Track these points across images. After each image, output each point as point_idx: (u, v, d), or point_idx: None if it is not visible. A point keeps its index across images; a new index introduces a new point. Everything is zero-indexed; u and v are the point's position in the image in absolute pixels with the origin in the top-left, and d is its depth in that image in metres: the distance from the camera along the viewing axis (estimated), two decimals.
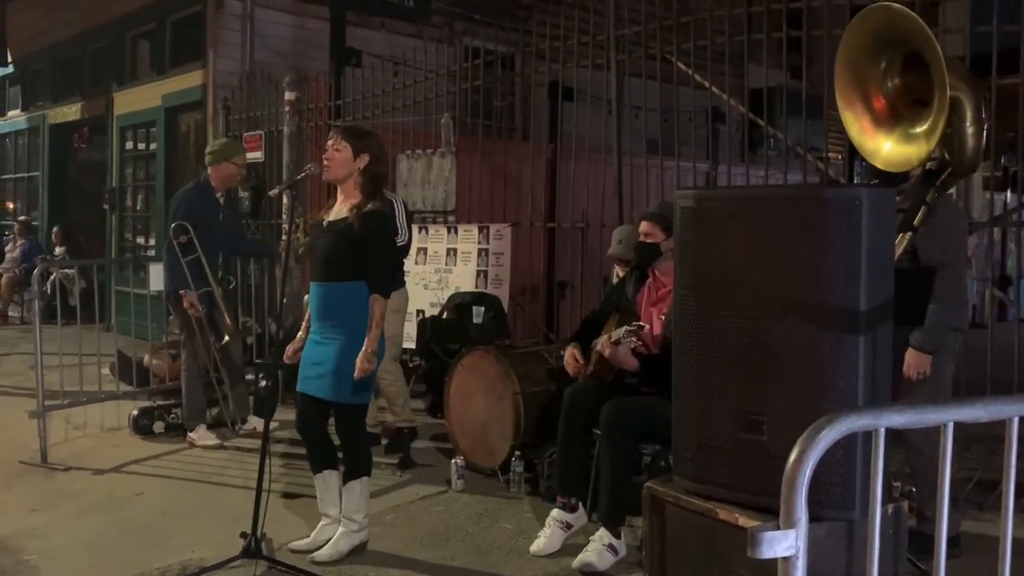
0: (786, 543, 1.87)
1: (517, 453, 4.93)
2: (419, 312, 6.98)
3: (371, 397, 4.11)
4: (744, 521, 2.73)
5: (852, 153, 5.83)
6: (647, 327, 3.99)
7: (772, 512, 2.71)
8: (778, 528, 1.89)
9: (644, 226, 4.25)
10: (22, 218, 13.29)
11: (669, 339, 3.95)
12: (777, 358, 2.78)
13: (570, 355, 4.34)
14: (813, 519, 1.88)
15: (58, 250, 12.53)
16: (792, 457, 1.95)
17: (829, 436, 1.91)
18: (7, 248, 12.66)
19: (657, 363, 3.94)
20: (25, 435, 5.89)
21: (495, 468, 5.09)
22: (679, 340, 3.02)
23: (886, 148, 3.36)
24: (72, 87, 12.74)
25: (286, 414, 6.46)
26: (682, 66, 5.75)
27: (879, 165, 3.47)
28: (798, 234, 2.72)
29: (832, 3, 5.07)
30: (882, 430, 1.95)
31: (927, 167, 3.55)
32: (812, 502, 1.89)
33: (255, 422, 6.21)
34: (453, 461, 5.07)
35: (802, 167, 5.91)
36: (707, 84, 6.07)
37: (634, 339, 3.94)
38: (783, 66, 5.48)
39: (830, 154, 6.82)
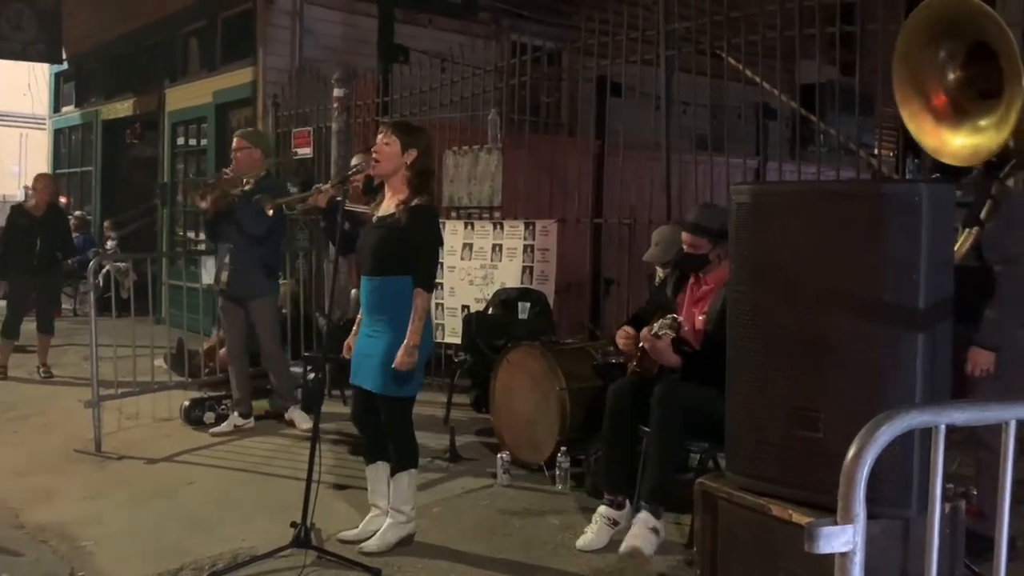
0: (843, 538, 1.86)
1: (563, 449, 4.93)
2: (464, 308, 7.01)
3: (418, 390, 4.13)
4: (798, 517, 2.71)
5: (905, 149, 5.76)
6: (681, 319, 3.97)
7: (826, 509, 2.72)
8: (835, 523, 1.88)
9: (687, 238, 4.21)
10: (78, 213, 13.54)
11: (711, 336, 3.95)
12: (833, 354, 2.75)
13: (623, 331, 4.30)
14: (869, 516, 1.86)
15: (110, 244, 12.75)
16: (851, 453, 1.93)
17: (888, 432, 1.89)
18: None
19: (699, 359, 3.92)
20: (80, 425, 6.01)
21: (540, 463, 5.10)
22: (733, 336, 3.00)
23: (956, 143, 3.28)
24: (125, 84, 12.95)
25: (332, 407, 6.55)
26: (732, 61, 5.71)
27: (948, 160, 3.38)
28: (856, 230, 2.68)
29: None
30: (942, 427, 1.93)
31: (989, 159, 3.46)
32: (868, 499, 1.87)
33: (295, 416, 6.28)
34: (499, 456, 5.08)
35: (854, 163, 5.84)
36: (758, 80, 6.01)
37: (670, 332, 3.92)
38: (835, 61, 5.41)
39: (882, 150, 6.72)
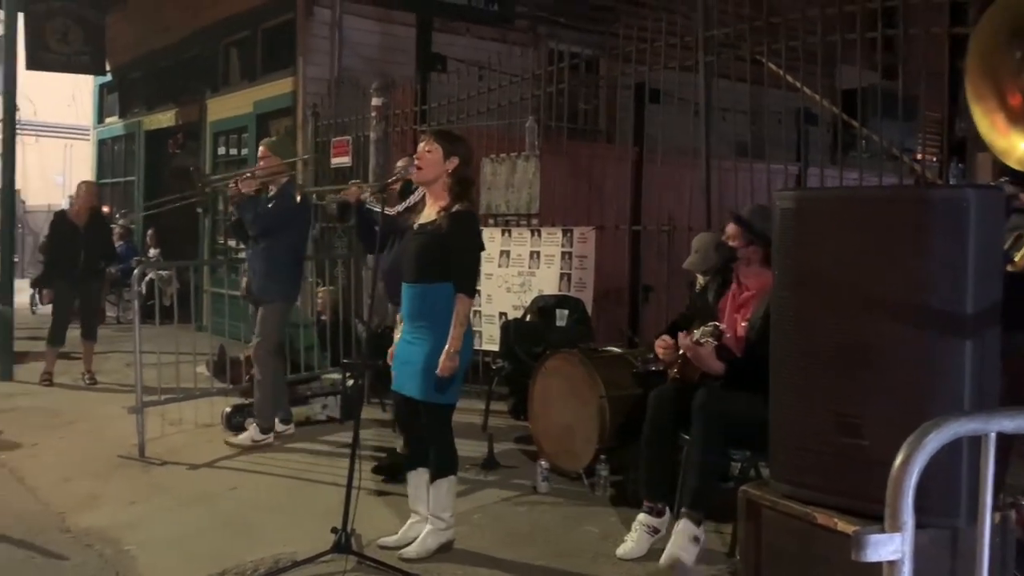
0: (892, 547, 1.84)
1: (602, 457, 4.92)
2: (502, 315, 7.02)
3: (457, 397, 4.14)
4: (843, 526, 2.68)
5: (949, 153, 5.68)
6: (724, 327, 3.95)
7: (871, 517, 2.68)
8: (883, 532, 1.86)
9: (730, 228, 4.20)
10: (122, 222, 13.75)
11: (754, 343, 3.91)
12: (878, 362, 2.71)
13: (661, 341, 4.30)
14: (917, 525, 1.84)
15: (152, 252, 12.94)
16: (898, 460, 1.91)
17: (936, 440, 1.87)
18: None
19: (742, 366, 3.89)
20: (124, 430, 6.10)
21: (579, 471, 5.08)
22: (776, 342, 2.97)
23: (1022, 147, 3.22)
24: (167, 94, 13.15)
25: (371, 413, 6.58)
26: (772, 67, 5.67)
27: (1013, 164, 3.32)
28: (902, 236, 2.64)
29: (930, 1, 4.93)
30: (992, 435, 1.90)
31: None
32: (916, 507, 1.85)
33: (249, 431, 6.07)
34: (538, 463, 5.08)
35: (896, 169, 5.77)
36: (798, 85, 5.97)
37: (712, 340, 3.89)
38: (877, 66, 5.35)
39: (925, 155, 6.63)
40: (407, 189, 5.05)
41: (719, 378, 4.02)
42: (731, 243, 4.14)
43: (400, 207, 4.82)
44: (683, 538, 3.84)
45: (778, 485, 2.98)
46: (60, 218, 8.55)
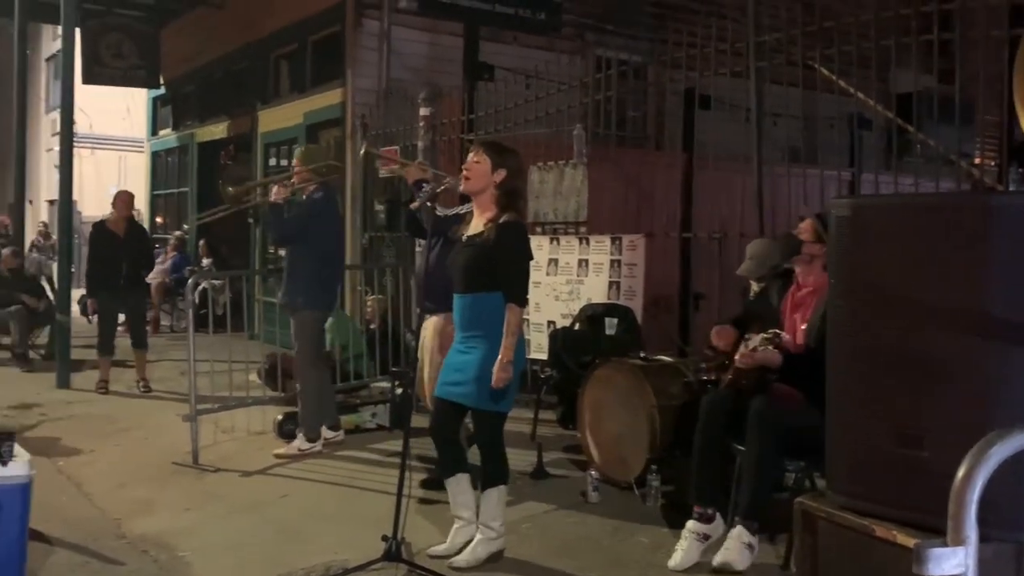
0: (955, 561, 1.80)
1: (653, 467, 4.87)
2: (550, 323, 7.00)
3: (510, 406, 4.14)
4: (903, 538, 2.62)
5: (1008, 158, 5.55)
6: (784, 334, 3.89)
7: (931, 530, 2.63)
8: (945, 545, 1.81)
9: (805, 223, 4.18)
10: (178, 233, 13.98)
11: (812, 350, 3.84)
12: (938, 371, 2.66)
13: (724, 329, 4.25)
14: (980, 539, 1.79)
15: (205, 262, 13.14)
16: (961, 473, 1.87)
17: (1000, 452, 1.83)
18: (158, 260, 13.34)
19: (800, 362, 3.82)
20: (178, 437, 6.18)
21: (630, 481, 5.03)
22: (832, 351, 2.93)
23: None
24: (219, 106, 13.37)
25: (419, 421, 6.58)
26: (825, 72, 5.59)
27: None
28: (964, 243, 2.59)
29: (989, 3, 4.83)
30: None
31: None
32: (979, 520, 1.81)
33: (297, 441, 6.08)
34: (588, 473, 5.05)
35: (953, 174, 5.66)
36: (852, 90, 5.88)
37: (770, 347, 3.84)
38: (933, 70, 5.25)
39: (983, 159, 6.49)
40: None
41: (776, 372, 3.94)
42: (801, 236, 4.10)
43: (450, 211, 4.82)
44: (737, 543, 3.81)
45: (835, 496, 2.93)
46: (100, 228, 8.55)
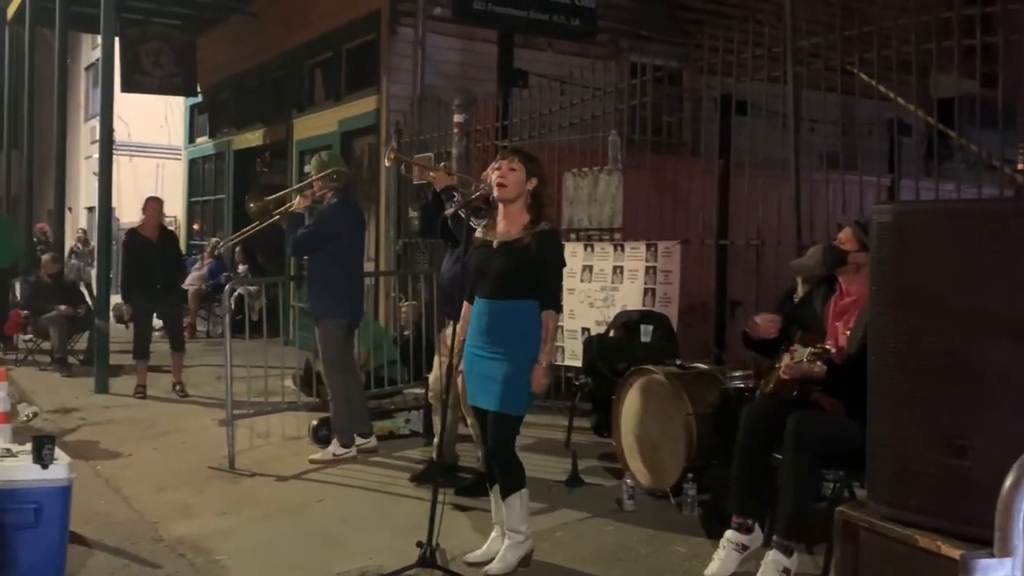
0: (1002, 572, 1.78)
1: (689, 475, 4.83)
2: (584, 330, 6.97)
3: (526, 411, 4.14)
4: (947, 549, 2.57)
5: None
6: (833, 350, 3.82)
7: (976, 541, 2.58)
8: (992, 556, 1.78)
9: (845, 232, 4.09)
10: (215, 239, 14.13)
11: (855, 360, 3.78)
12: (984, 381, 2.61)
13: (768, 317, 4.17)
14: None
15: (241, 268, 13.26)
16: (1008, 482, 1.84)
17: None
18: (195, 266, 13.49)
19: (844, 372, 3.75)
20: (214, 442, 6.24)
21: (666, 490, 4.99)
22: (875, 360, 2.88)
23: None
24: (255, 114, 13.50)
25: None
26: (864, 77, 5.53)
27: None
28: (1009, 250, 2.54)
29: None
30: None
31: None
32: None
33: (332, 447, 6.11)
34: (623, 481, 5.02)
35: (995, 180, 5.57)
36: (891, 95, 5.81)
37: (819, 362, 3.77)
38: (975, 74, 5.17)
39: None
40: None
41: (819, 382, 3.88)
42: (844, 246, 4.05)
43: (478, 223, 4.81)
44: (772, 571, 3.74)
45: (877, 506, 2.88)
46: (133, 235, 8.65)
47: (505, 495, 4.08)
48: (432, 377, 5.63)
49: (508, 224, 4.12)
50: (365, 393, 6.55)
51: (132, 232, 8.80)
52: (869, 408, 2.89)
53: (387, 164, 6.08)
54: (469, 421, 5.34)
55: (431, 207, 5.35)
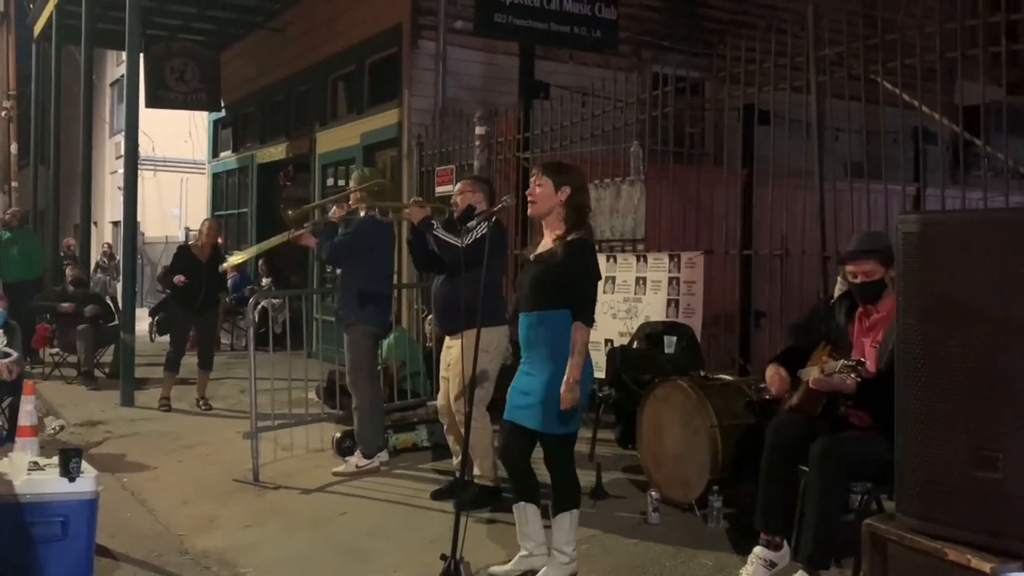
0: None
1: (715, 488, 4.79)
2: (607, 342, 6.95)
3: (579, 427, 4.09)
4: (977, 563, 2.54)
5: None
6: (868, 363, 3.76)
7: (1007, 554, 2.54)
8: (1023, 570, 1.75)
9: (856, 267, 3.94)
10: (229, 257, 14.19)
11: (884, 373, 3.71)
12: (1013, 391, 2.58)
13: (774, 372, 4.12)
14: None
15: (265, 281, 13.32)
16: None
17: None
18: None
19: (873, 385, 3.69)
20: (238, 455, 6.25)
21: (691, 502, 4.96)
22: (903, 372, 2.84)
23: None
24: (278, 128, 13.60)
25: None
26: (888, 85, 5.49)
27: None
28: None
29: None
30: None
31: None
32: None
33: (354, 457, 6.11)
34: (648, 493, 4.98)
35: (1022, 188, 5.51)
36: (916, 104, 5.77)
37: (852, 375, 3.69)
38: (1000, 81, 5.12)
39: None
40: (467, 215, 5.11)
41: (849, 397, 3.82)
42: (874, 279, 3.93)
43: (467, 239, 4.82)
44: None
45: (906, 519, 2.85)
46: (184, 252, 8.87)
47: (556, 511, 4.02)
48: (440, 397, 5.56)
49: (548, 236, 4.12)
50: (384, 407, 6.53)
51: (183, 248, 9.04)
52: (897, 420, 2.86)
53: (361, 212, 6.12)
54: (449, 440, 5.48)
55: (414, 243, 5.38)
